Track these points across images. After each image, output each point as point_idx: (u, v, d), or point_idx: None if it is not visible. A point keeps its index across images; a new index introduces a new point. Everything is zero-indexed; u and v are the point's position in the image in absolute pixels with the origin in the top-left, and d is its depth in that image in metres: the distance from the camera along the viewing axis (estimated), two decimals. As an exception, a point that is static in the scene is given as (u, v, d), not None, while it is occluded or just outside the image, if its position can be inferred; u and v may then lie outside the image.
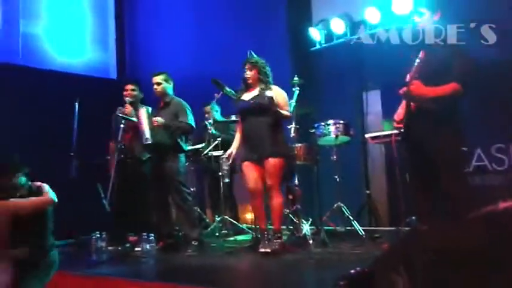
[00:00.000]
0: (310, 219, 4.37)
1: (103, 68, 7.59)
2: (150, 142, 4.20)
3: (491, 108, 4.31)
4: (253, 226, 4.57)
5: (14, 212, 2.63)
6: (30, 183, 2.84)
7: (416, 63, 3.01)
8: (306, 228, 4.04)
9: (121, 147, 4.28)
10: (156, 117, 4.22)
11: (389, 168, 4.86)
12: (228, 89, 4.59)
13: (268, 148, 3.68)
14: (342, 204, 4.35)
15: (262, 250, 3.65)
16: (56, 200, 2.80)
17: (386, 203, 5.00)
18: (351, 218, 4.28)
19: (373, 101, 5.33)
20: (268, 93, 3.69)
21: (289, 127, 4.18)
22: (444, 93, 2.96)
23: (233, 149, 3.94)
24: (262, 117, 3.72)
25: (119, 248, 4.35)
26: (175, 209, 4.30)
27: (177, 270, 3.56)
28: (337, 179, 4.41)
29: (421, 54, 3.02)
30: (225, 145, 5.06)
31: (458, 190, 2.97)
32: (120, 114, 4.43)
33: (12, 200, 2.69)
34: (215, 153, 4.99)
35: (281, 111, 3.74)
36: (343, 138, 4.44)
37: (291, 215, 4.23)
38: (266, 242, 3.70)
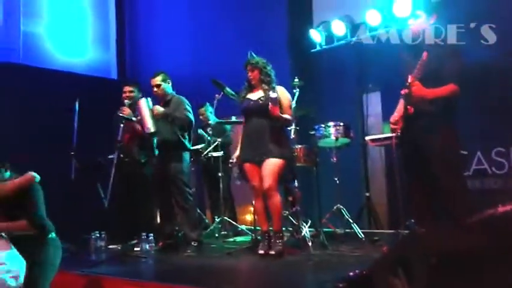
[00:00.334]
0: (310, 221, 4.37)
1: (104, 67, 7.60)
2: (152, 131, 4.18)
3: (491, 112, 4.32)
4: (252, 227, 4.57)
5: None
6: (15, 175, 3.00)
7: (418, 65, 3.01)
8: (305, 230, 4.04)
9: (120, 147, 4.28)
10: (156, 106, 4.22)
11: (389, 171, 4.86)
12: (228, 89, 4.60)
13: (269, 149, 3.67)
14: (341, 207, 4.35)
15: (261, 252, 3.65)
16: (38, 177, 2.95)
17: (386, 206, 5.01)
18: (351, 221, 4.28)
19: (374, 103, 5.33)
20: (272, 94, 3.64)
21: (289, 129, 4.17)
22: (442, 95, 3.00)
23: (239, 151, 3.93)
24: (265, 118, 3.70)
25: (119, 248, 4.35)
26: (176, 209, 4.29)
27: (176, 270, 3.56)
28: (337, 181, 4.41)
29: (424, 55, 3.02)
30: (223, 147, 5.08)
31: (457, 192, 2.98)
32: (121, 114, 4.44)
33: None
34: (215, 154, 5.00)
35: (283, 115, 3.72)
36: (343, 140, 4.44)
37: (290, 217, 4.23)
38: (266, 243, 3.70)
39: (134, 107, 4.57)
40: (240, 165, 3.94)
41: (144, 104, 4.22)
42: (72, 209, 4.45)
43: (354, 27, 5.47)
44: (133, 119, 4.48)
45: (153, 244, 4.07)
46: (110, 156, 4.55)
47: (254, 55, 3.94)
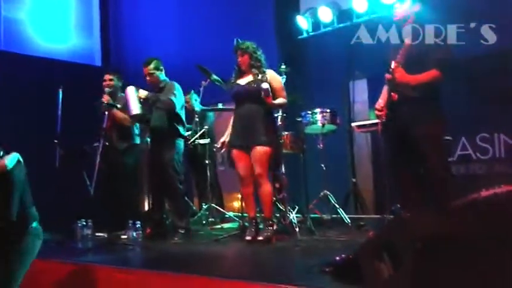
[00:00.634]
0: (297, 207, 4.40)
1: (87, 54, 7.47)
2: (136, 113, 4.14)
3: (475, 98, 4.37)
4: (239, 214, 4.59)
5: None
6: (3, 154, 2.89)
7: (401, 50, 3.04)
8: (293, 216, 4.07)
9: (104, 134, 4.25)
10: (140, 90, 4.18)
11: (375, 157, 4.91)
12: (214, 76, 4.57)
13: (258, 136, 3.65)
14: (328, 193, 4.39)
15: (248, 238, 3.66)
16: (9, 166, 2.81)
17: (372, 191, 5.06)
18: (337, 206, 4.32)
19: (360, 89, 5.35)
20: (264, 85, 3.60)
21: (276, 115, 4.17)
22: (425, 80, 3.03)
23: (226, 137, 3.91)
24: (254, 104, 3.67)
25: (105, 236, 4.34)
26: (165, 196, 4.28)
27: (164, 258, 3.56)
28: (324, 168, 4.44)
29: (406, 41, 3.05)
30: (209, 134, 5.06)
31: (441, 178, 3.02)
32: (106, 102, 4.41)
33: None
34: (201, 141, 4.98)
35: (277, 101, 3.70)
36: (330, 127, 4.46)
37: (277, 203, 4.25)
38: (253, 230, 3.71)
39: (115, 95, 4.58)
40: (227, 151, 3.93)
41: (131, 90, 4.19)
42: (57, 197, 4.40)
43: (341, 14, 5.46)
44: (119, 106, 4.45)
45: (140, 232, 4.06)
46: (95, 144, 4.52)
47: (240, 41, 3.90)
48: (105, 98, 4.44)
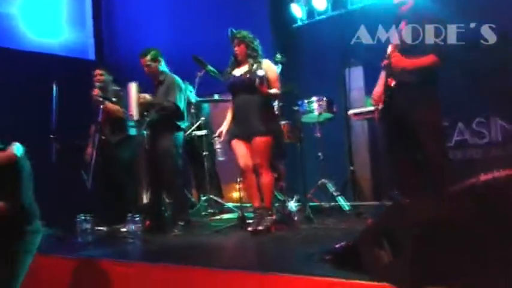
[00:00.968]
0: (295, 197, 4.41)
1: (80, 48, 7.41)
2: (135, 119, 4.14)
3: (471, 83, 4.36)
4: (238, 204, 4.59)
5: None
6: (3, 146, 2.82)
7: (397, 35, 3.02)
8: (291, 205, 4.08)
9: (99, 128, 4.27)
10: (143, 94, 4.15)
11: (372, 144, 4.92)
12: (210, 67, 4.54)
13: (257, 126, 3.63)
14: (326, 181, 4.40)
15: (250, 229, 3.62)
16: (18, 154, 2.75)
17: (370, 179, 5.08)
18: (335, 194, 4.33)
19: (356, 77, 5.34)
20: (259, 72, 3.57)
21: (274, 105, 4.15)
22: (422, 65, 3.01)
23: (224, 127, 3.89)
24: (252, 94, 3.64)
25: (105, 230, 4.34)
26: (164, 189, 4.28)
27: (165, 250, 3.57)
28: (321, 156, 4.44)
29: (401, 25, 3.02)
30: (206, 125, 5.06)
31: (440, 163, 3.03)
32: (101, 96, 4.42)
33: None
34: (198, 133, 4.97)
35: (271, 91, 3.68)
36: (327, 115, 4.46)
37: (276, 193, 4.26)
38: (256, 220, 3.68)
39: (106, 89, 4.62)
40: (226, 141, 3.91)
41: (132, 89, 4.16)
42: (55, 192, 4.39)
43: (335, 1, 5.43)
44: (113, 99, 4.47)
45: (140, 225, 4.06)
46: (90, 139, 4.52)
47: (234, 31, 3.86)
48: (95, 92, 4.49)
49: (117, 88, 4.58)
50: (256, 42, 3.78)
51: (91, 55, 7.51)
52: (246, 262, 3.01)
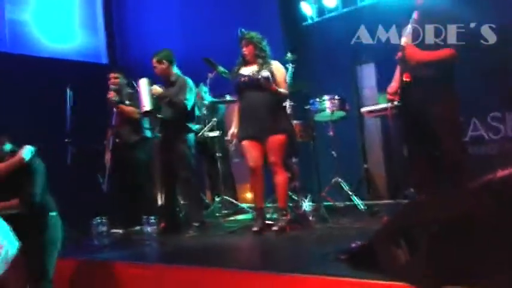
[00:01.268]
0: (309, 196, 4.39)
1: (93, 52, 7.48)
2: (148, 109, 4.15)
3: (486, 77, 4.29)
4: (253, 205, 4.59)
5: None
6: (16, 149, 3.04)
7: (410, 26, 2.93)
8: (306, 204, 4.06)
9: (115, 132, 4.30)
10: (154, 85, 4.18)
11: (386, 142, 4.87)
12: (221, 68, 4.55)
13: (270, 124, 3.62)
14: (340, 180, 4.37)
15: (255, 229, 3.62)
16: (26, 158, 2.97)
17: (384, 177, 5.03)
18: (350, 193, 4.30)
19: (368, 74, 5.30)
20: (263, 73, 3.58)
21: (284, 104, 4.14)
22: (440, 57, 2.91)
23: (235, 128, 3.89)
24: (261, 92, 3.63)
25: (121, 232, 4.38)
26: (179, 190, 4.30)
27: (180, 251, 3.59)
28: (335, 155, 4.41)
29: (414, 15, 2.95)
30: (219, 126, 5.06)
31: (458, 159, 2.96)
32: (114, 99, 4.47)
33: None
34: (211, 134, 4.97)
35: (279, 89, 3.67)
36: (339, 114, 4.43)
37: (290, 192, 4.25)
38: (259, 221, 3.69)
39: (121, 92, 4.64)
40: (237, 143, 3.91)
41: (144, 83, 4.19)
42: (71, 195, 4.44)
43: (345, -2, 5.40)
44: (127, 102, 4.50)
45: (155, 226, 4.08)
46: (105, 142, 4.56)
47: (244, 32, 3.86)
48: (111, 95, 4.53)
49: (132, 91, 4.62)
50: (265, 43, 3.77)
51: (104, 59, 7.58)
52: (261, 263, 3.00)
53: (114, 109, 4.45)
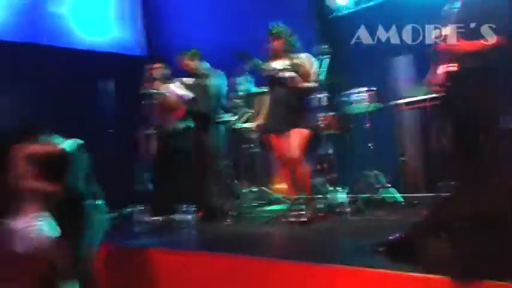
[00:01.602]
0: (346, 188, 4.37)
1: (129, 45, 7.61)
2: (191, 96, 4.31)
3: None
4: (288, 196, 4.61)
5: (28, 154, 2.92)
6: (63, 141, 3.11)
7: (454, 12, 2.83)
8: (343, 196, 4.06)
9: (158, 121, 4.40)
10: (184, 79, 4.32)
11: (423, 134, 4.77)
12: (256, 60, 4.58)
13: (292, 119, 3.68)
14: (377, 172, 4.33)
15: (292, 219, 3.67)
16: (68, 148, 3.04)
17: (422, 169, 4.94)
18: (387, 185, 4.26)
19: (404, 66, 5.19)
20: (287, 73, 3.65)
21: (320, 96, 4.14)
22: (487, 48, 2.76)
23: (260, 120, 3.96)
24: (285, 88, 3.70)
25: (160, 220, 4.49)
26: (213, 180, 4.39)
27: (216, 240, 3.67)
28: (371, 147, 4.38)
29: (459, 4, 2.83)
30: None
31: (502, 153, 2.87)
32: (151, 90, 4.55)
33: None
34: (246, 125, 5.01)
35: (306, 85, 3.68)
36: (376, 105, 4.39)
37: (327, 184, 4.25)
38: (296, 211, 3.72)
39: (163, 83, 4.69)
40: (261, 135, 3.94)
41: (172, 86, 4.43)
42: (113, 184, 4.60)
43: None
44: (165, 92, 4.57)
45: (194, 215, 4.18)
46: (146, 132, 4.67)
47: (278, 24, 3.88)
48: (156, 85, 4.58)
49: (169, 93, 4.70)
50: (294, 37, 3.79)
51: (140, 51, 7.71)
52: (295, 252, 3.04)
53: (155, 99, 4.48)
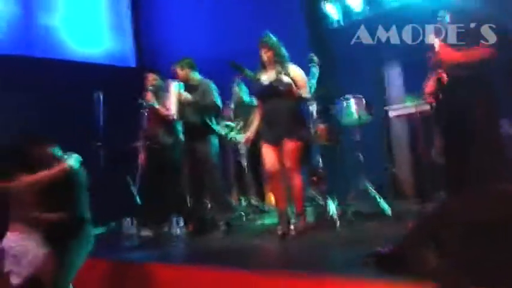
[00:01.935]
0: (336, 200, 4.37)
1: (122, 56, 7.64)
2: (174, 118, 4.25)
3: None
4: (278, 208, 4.59)
5: (34, 183, 2.83)
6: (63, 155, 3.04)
7: (441, 26, 2.87)
8: (332, 208, 4.05)
9: (146, 134, 4.37)
10: (184, 92, 4.28)
11: (413, 144, 4.81)
12: (248, 71, 4.59)
13: (286, 130, 3.67)
14: (366, 183, 4.34)
15: (280, 232, 3.65)
16: (73, 166, 2.93)
17: (411, 180, 4.97)
18: (377, 197, 4.26)
19: (394, 76, 5.25)
20: (284, 78, 3.62)
21: (311, 107, 4.15)
22: (476, 58, 2.79)
23: (250, 132, 3.95)
24: (280, 99, 3.68)
25: (150, 233, 4.45)
26: (205, 192, 4.37)
27: (207, 253, 3.64)
28: (361, 158, 4.38)
29: (447, 16, 2.87)
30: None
31: (495, 163, 2.86)
32: (144, 102, 4.54)
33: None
34: (238, 137, 5.01)
35: (299, 93, 3.69)
36: (365, 116, 4.40)
37: (317, 196, 4.24)
38: (285, 224, 3.70)
39: (158, 94, 4.66)
40: (250, 147, 3.94)
41: (174, 87, 4.30)
42: (103, 197, 4.56)
43: (372, 0, 5.36)
44: (155, 105, 4.56)
45: (183, 227, 4.15)
46: (135, 144, 4.64)
47: (270, 35, 3.89)
48: (148, 96, 4.56)
49: (166, 93, 4.69)
50: (283, 48, 3.80)
51: (132, 62, 7.72)
52: (287, 264, 3.02)
53: (146, 111, 4.47)
